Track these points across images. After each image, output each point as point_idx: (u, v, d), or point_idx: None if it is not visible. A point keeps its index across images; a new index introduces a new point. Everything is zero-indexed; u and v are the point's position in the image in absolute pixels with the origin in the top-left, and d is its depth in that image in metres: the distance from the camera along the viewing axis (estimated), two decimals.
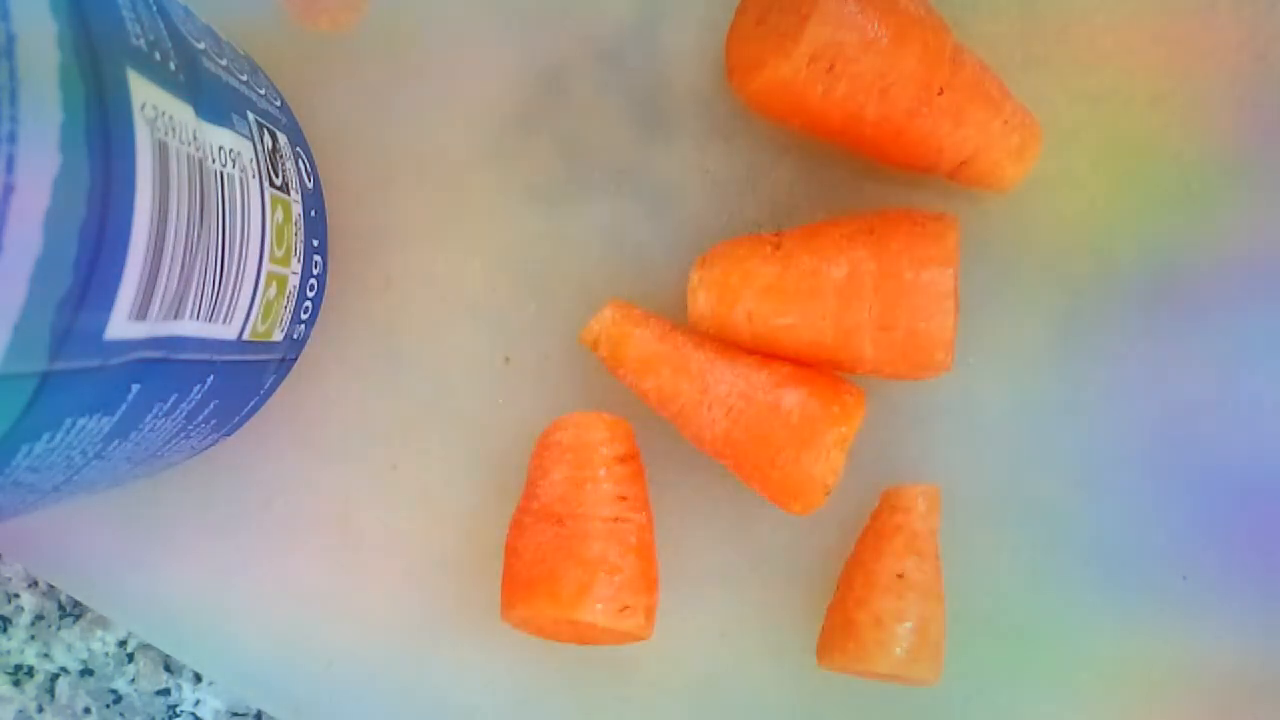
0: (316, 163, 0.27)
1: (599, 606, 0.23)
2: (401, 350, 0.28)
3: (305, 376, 0.27)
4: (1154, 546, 0.27)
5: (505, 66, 0.27)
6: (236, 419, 0.26)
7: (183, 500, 0.27)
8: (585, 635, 0.25)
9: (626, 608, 0.23)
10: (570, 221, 0.27)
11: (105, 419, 0.17)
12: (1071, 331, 0.27)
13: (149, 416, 0.19)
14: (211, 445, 0.26)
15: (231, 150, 0.20)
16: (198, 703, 0.29)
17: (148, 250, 0.16)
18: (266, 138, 0.23)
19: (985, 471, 0.27)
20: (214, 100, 0.20)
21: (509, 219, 0.27)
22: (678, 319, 0.26)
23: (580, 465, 0.24)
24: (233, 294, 0.20)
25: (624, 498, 0.24)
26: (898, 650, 0.24)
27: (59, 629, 0.29)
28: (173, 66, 0.18)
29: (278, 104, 0.25)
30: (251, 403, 0.26)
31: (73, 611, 0.29)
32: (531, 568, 0.24)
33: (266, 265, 0.22)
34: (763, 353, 0.25)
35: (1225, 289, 0.27)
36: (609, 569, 0.23)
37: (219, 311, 0.20)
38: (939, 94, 0.24)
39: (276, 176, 0.23)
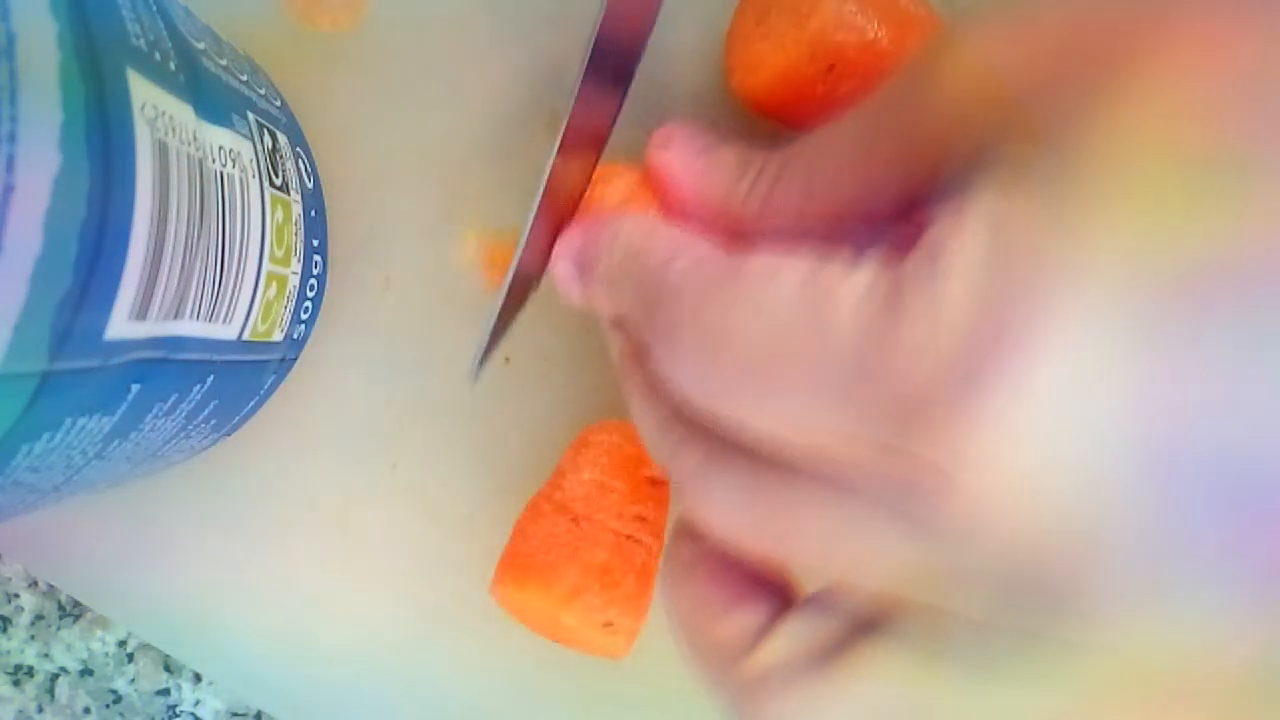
0: (316, 163, 0.27)
1: (585, 614, 0.23)
2: (401, 350, 0.28)
3: (305, 376, 0.27)
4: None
5: (505, 66, 0.27)
6: (236, 419, 0.26)
7: (183, 500, 0.27)
8: (562, 635, 0.25)
9: (610, 624, 0.23)
10: None
11: (105, 419, 0.17)
12: None
13: (149, 416, 0.19)
14: (211, 445, 0.26)
15: (231, 150, 0.20)
16: (198, 703, 0.29)
17: (148, 250, 0.16)
18: (266, 138, 0.23)
19: None
20: (214, 100, 0.20)
21: (509, 219, 0.27)
22: None
23: (613, 473, 0.24)
24: (233, 294, 0.20)
25: (644, 519, 0.24)
26: None
27: (59, 629, 0.29)
28: (173, 66, 0.18)
29: (278, 104, 0.25)
30: (251, 403, 0.26)
31: (73, 611, 0.29)
32: (534, 554, 0.24)
33: (266, 265, 0.22)
34: None
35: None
36: (607, 582, 0.23)
37: (219, 311, 0.20)
38: None
39: (276, 176, 0.23)
